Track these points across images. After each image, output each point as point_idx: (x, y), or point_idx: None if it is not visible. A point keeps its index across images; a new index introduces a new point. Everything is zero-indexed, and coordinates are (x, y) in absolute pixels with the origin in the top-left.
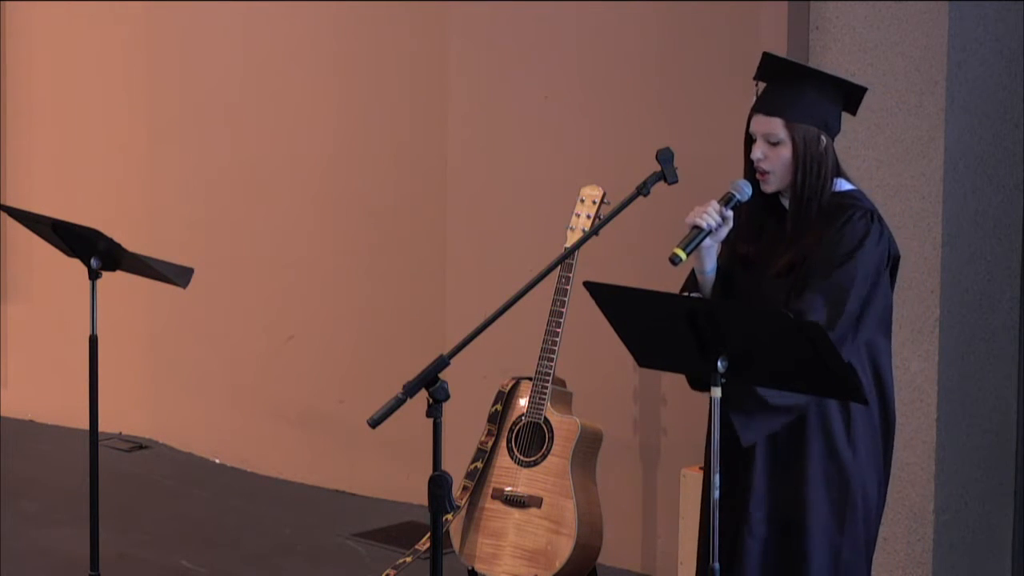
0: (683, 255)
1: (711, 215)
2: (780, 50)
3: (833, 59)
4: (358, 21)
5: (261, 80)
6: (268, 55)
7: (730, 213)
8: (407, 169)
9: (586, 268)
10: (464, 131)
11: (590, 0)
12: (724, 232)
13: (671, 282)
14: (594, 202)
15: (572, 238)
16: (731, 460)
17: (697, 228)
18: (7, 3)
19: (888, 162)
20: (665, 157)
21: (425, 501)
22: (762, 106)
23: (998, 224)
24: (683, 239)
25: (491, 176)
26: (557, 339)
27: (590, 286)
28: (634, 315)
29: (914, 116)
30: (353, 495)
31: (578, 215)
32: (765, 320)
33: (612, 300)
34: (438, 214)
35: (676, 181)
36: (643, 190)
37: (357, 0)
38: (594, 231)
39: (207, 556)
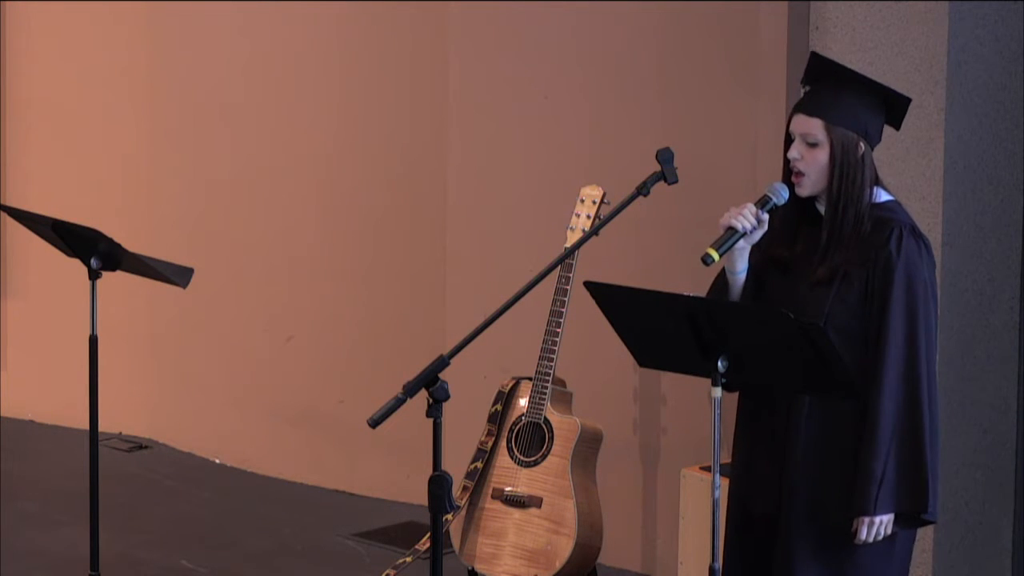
0: (716, 256)
1: (747, 217)
2: (780, 50)
3: (833, 59)
4: (358, 21)
5: (261, 79)
6: (268, 54)
7: (765, 216)
8: (407, 169)
9: (586, 268)
10: (464, 131)
11: (590, 0)
12: (758, 235)
13: (671, 282)
14: (594, 202)
15: (572, 238)
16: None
17: (732, 229)
18: (7, 3)
19: (888, 162)
20: (665, 157)
21: (425, 501)
22: (804, 106)
23: (998, 224)
24: (717, 240)
25: (491, 176)
26: (557, 339)
27: (590, 286)
28: (634, 315)
29: (914, 116)
30: (353, 495)
31: (578, 215)
32: (765, 320)
33: (612, 300)
34: (438, 214)
35: (676, 181)
36: (643, 190)
37: (357, 1)
38: (594, 231)
39: (207, 556)
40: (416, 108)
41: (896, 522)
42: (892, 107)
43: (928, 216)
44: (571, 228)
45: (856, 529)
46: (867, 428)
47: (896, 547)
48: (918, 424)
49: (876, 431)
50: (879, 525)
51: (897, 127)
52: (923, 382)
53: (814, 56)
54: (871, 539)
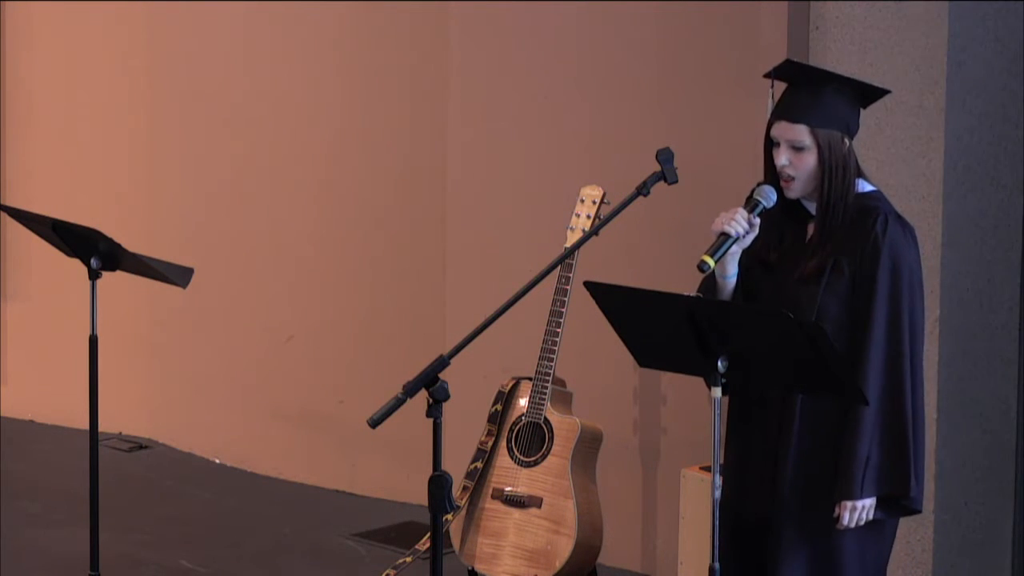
0: (712, 262)
1: (739, 223)
2: (780, 50)
3: (833, 59)
4: (358, 22)
5: (261, 78)
6: (268, 53)
7: (757, 220)
8: (407, 169)
9: (586, 268)
10: (464, 131)
11: (590, 0)
12: (750, 239)
13: (671, 282)
14: (594, 202)
15: (572, 238)
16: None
17: (725, 235)
18: (7, 3)
19: (888, 162)
20: (665, 157)
21: (425, 501)
22: (786, 112)
23: (998, 224)
24: (711, 246)
25: (491, 176)
26: (557, 339)
27: (590, 286)
28: (634, 315)
29: (914, 116)
30: (353, 495)
31: (578, 215)
32: (765, 320)
33: (612, 300)
34: (438, 214)
35: (676, 181)
36: (643, 190)
37: (357, 1)
38: (594, 231)
39: (207, 556)
40: (416, 108)
41: (880, 508)
42: (868, 97)
43: (928, 216)
44: (571, 228)
45: (839, 514)
46: (851, 411)
47: (883, 534)
48: (901, 407)
49: (860, 414)
50: (861, 510)
51: (865, 106)
52: (906, 365)
53: (789, 62)
54: (853, 524)
